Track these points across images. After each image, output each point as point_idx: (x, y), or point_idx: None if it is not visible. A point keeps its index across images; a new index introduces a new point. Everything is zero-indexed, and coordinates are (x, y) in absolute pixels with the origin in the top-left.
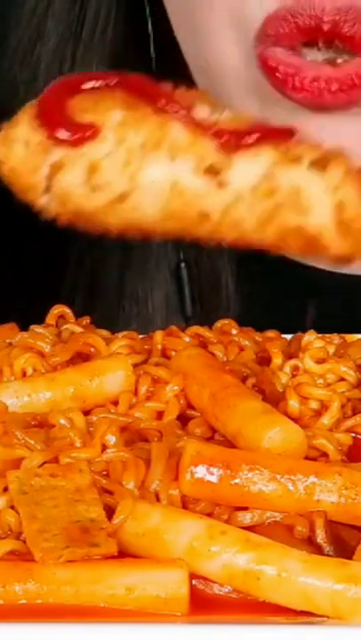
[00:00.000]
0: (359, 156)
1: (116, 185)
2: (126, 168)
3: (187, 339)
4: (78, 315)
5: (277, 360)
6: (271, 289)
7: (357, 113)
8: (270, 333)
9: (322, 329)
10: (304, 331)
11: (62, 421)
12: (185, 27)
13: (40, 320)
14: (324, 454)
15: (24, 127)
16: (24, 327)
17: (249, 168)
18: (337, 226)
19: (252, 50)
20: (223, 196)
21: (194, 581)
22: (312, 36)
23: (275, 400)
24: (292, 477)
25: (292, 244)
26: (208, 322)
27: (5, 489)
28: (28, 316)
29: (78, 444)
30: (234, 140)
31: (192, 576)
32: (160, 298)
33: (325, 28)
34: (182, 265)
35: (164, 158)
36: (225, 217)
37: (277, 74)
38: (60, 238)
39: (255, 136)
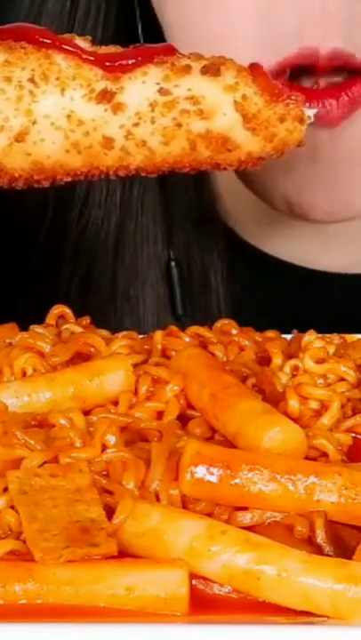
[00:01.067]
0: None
1: (13, 122)
2: (19, 104)
3: (187, 339)
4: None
5: (277, 360)
6: (262, 289)
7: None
8: (270, 333)
9: (314, 328)
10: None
11: (62, 421)
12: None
13: (40, 320)
14: (324, 454)
15: None
16: (24, 327)
17: (141, 87)
18: (244, 121)
19: None
20: (122, 119)
21: (194, 581)
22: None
23: (275, 400)
24: (292, 477)
25: (204, 150)
26: (199, 321)
27: (5, 489)
28: (29, 316)
29: (78, 444)
30: (118, 64)
31: (192, 576)
32: (151, 297)
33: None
34: (172, 264)
35: (54, 90)
36: (129, 139)
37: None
38: (53, 236)
39: (139, 58)
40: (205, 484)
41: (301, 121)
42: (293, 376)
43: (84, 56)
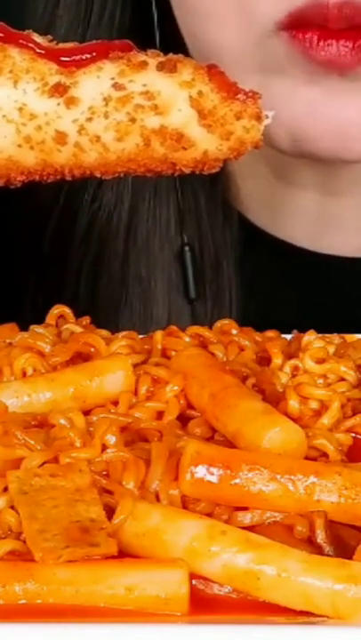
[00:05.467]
0: (354, 134)
1: None
2: None
3: (187, 339)
4: (81, 296)
5: (277, 360)
6: (274, 273)
7: (358, 88)
8: (270, 333)
9: (325, 313)
10: (308, 318)
11: (62, 421)
12: (185, 7)
13: (40, 320)
14: (325, 454)
15: None
16: (24, 327)
17: (95, 82)
18: (200, 118)
19: (255, 33)
20: (75, 113)
21: (194, 581)
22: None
23: (275, 400)
24: (292, 477)
25: (158, 147)
26: (212, 305)
27: (5, 489)
28: (38, 303)
29: (78, 444)
30: (73, 59)
31: (192, 576)
32: (162, 280)
33: (333, 25)
34: (186, 248)
35: (6, 82)
36: (82, 135)
37: (305, 35)
38: (65, 220)
39: (94, 53)
40: (205, 484)
41: (258, 119)
42: (293, 376)
43: (39, 50)
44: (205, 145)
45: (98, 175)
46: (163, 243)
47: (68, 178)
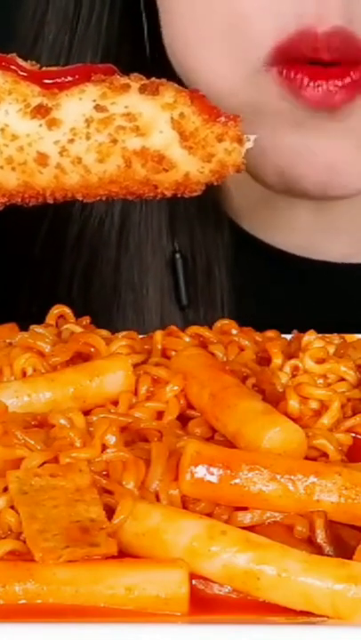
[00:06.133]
0: (350, 173)
1: None
2: None
3: (187, 339)
4: (74, 302)
5: (277, 360)
6: (266, 280)
7: (346, 128)
8: (270, 333)
9: (316, 319)
10: (300, 325)
11: (62, 421)
12: (175, 37)
13: (41, 314)
14: (325, 454)
15: None
16: (24, 327)
17: (77, 104)
18: (181, 139)
19: (248, 69)
20: (57, 134)
21: (194, 581)
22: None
23: (275, 400)
24: (292, 477)
25: (140, 169)
26: (204, 312)
27: (5, 489)
28: (31, 309)
29: (78, 444)
30: (55, 82)
31: (192, 576)
32: (155, 286)
33: (324, 57)
34: (177, 256)
35: None
36: (64, 156)
37: (296, 75)
38: (55, 229)
39: (77, 76)
40: (205, 484)
41: (240, 141)
42: (293, 376)
43: (21, 72)
44: (187, 167)
45: (79, 198)
46: (154, 249)
47: (50, 201)
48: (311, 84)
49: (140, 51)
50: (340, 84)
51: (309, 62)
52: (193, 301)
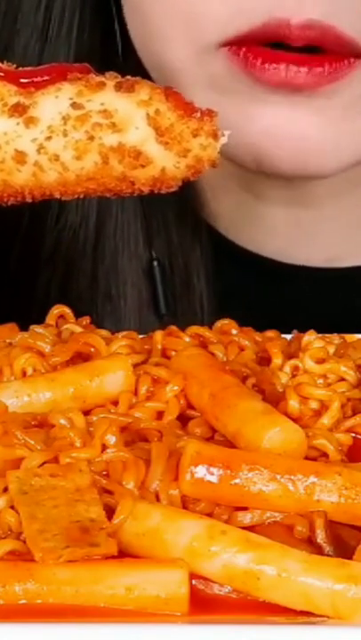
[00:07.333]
0: (323, 152)
1: None
2: None
3: (187, 339)
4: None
5: (277, 360)
6: (246, 286)
7: (318, 106)
8: (270, 333)
9: (297, 324)
10: (281, 331)
11: (62, 421)
12: (140, 29)
13: (40, 320)
14: (325, 454)
15: None
16: (24, 327)
17: (54, 102)
18: (157, 135)
19: (205, 50)
20: (35, 132)
21: (194, 581)
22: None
23: (275, 400)
24: (292, 477)
25: (117, 165)
26: (182, 320)
27: (5, 489)
28: (28, 316)
29: (78, 444)
30: (32, 81)
31: (192, 576)
32: (132, 296)
33: (294, 44)
34: (155, 263)
35: None
36: (41, 153)
37: (254, 60)
38: (29, 241)
39: (53, 74)
40: (205, 484)
41: (215, 137)
42: (293, 376)
43: None
44: (163, 162)
45: (57, 196)
46: (131, 259)
47: (29, 199)
48: (266, 65)
49: (112, 57)
50: (305, 70)
51: (272, 45)
52: (171, 309)
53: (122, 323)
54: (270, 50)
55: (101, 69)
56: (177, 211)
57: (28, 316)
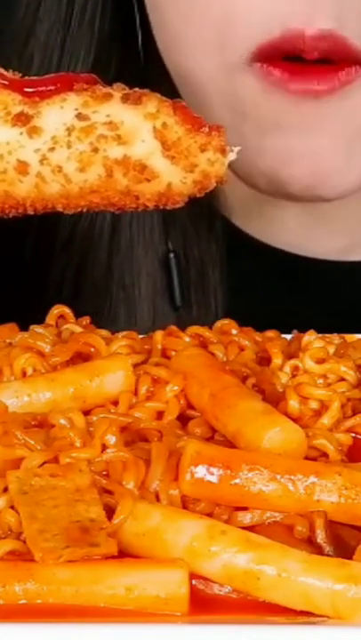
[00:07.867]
0: (337, 175)
1: None
2: None
3: (187, 339)
4: (65, 304)
5: (277, 360)
6: (260, 278)
7: (331, 130)
8: (270, 333)
9: (311, 317)
10: (297, 326)
11: (62, 421)
12: (166, 36)
13: (40, 320)
14: (325, 454)
15: None
16: (24, 327)
17: (59, 112)
18: (163, 149)
19: (231, 66)
20: (38, 143)
21: (194, 581)
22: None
23: (275, 400)
24: (292, 477)
25: (121, 178)
26: (197, 312)
27: (5, 489)
28: (22, 309)
29: (78, 444)
30: (37, 90)
31: (192, 576)
32: (147, 286)
33: (309, 57)
34: (171, 255)
35: None
36: (44, 164)
37: (276, 71)
38: (45, 229)
39: (58, 84)
40: (205, 484)
41: (223, 152)
42: (293, 376)
43: (2, 81)
44: (169, 177)
45: (60, 209)
46: (147, 249)
47: (30, 211)
48: (295, 77)
49: (132, 48)
50: (321, 84)
51: (288, 58)
52: (186, 301)
53: (136, 314)
54: (289, 63)
55: (123, 56)
56: (193, 203)
57: (42, 302)
